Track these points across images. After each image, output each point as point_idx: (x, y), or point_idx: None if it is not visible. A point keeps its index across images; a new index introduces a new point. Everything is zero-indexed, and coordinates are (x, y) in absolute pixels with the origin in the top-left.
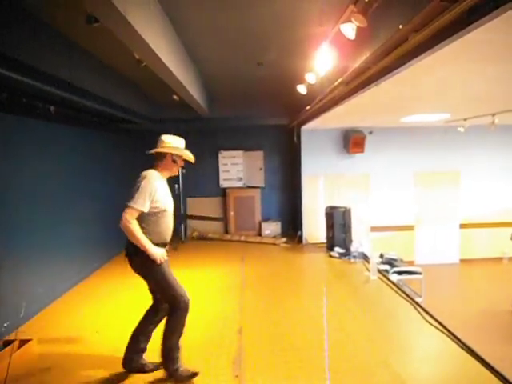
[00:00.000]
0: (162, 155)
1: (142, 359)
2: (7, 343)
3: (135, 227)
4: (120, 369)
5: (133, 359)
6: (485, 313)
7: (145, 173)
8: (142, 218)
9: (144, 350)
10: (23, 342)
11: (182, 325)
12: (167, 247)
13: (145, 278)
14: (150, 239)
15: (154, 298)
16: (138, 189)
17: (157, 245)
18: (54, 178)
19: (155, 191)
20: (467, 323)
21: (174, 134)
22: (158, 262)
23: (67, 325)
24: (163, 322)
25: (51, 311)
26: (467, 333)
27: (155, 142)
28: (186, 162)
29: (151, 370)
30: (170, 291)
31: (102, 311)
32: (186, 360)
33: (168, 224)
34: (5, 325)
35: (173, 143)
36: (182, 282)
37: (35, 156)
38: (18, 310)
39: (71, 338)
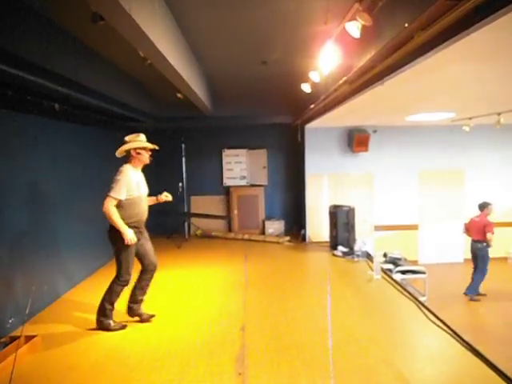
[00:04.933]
0: (128, 152)
1: (140, 309)
2: (13, 339)
3: (113, 212)
4: (123, 363)
5: (132, 308)
6: (487, 312)
7: (120, 168)
8: (121, 204)
9: (140, 301)
10: (28, 338)
11: (117, 294)
12: (143, 229)
13: (114, 249)
14: (127, 221)
15: (142, 263)
16: (115, 181)
17: (133, 223)
18: (59, 175)
19: (129, 181)
20: (472, 323)
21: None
22: (126, 241)
23: (72, 321)
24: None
25: (56, 308)
26: (471, 332)
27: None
28: (152, 155)
29: (146, 320)
30: (122, 266)
31: None
32: (189, 358)
33: (142, 207)
34: (10, 321)
35: (131, 140)
36: (186, 280)
37: (40, 153)
38: (23, 307)
39: (76, 335)
